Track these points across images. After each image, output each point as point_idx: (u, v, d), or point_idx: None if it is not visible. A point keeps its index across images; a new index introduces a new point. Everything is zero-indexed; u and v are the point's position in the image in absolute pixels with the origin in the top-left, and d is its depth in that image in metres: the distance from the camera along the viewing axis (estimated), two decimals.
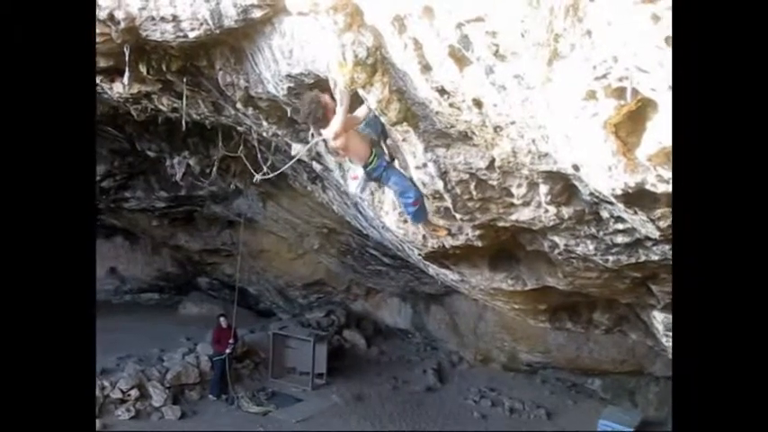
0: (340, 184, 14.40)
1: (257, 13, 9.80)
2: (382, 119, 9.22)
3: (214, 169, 19.78)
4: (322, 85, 9.80)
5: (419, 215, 10.34)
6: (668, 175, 6.45)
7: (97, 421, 19.31)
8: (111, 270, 32.09)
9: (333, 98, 9.14)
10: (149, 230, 29.50)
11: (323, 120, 9.29)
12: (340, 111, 9.03)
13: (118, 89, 13.61)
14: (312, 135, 10.56)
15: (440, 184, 10.03)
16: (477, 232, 11.09)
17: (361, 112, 9.68)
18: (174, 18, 10.66)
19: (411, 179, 10.26)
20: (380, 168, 9.80)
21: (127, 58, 12.19)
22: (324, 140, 10.01)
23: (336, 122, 9.14)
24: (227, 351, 23.21)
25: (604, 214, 9.41)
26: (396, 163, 10.35)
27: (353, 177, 9.95)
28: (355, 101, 9.18)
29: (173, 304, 32.10)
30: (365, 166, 9.77)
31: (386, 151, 10.06)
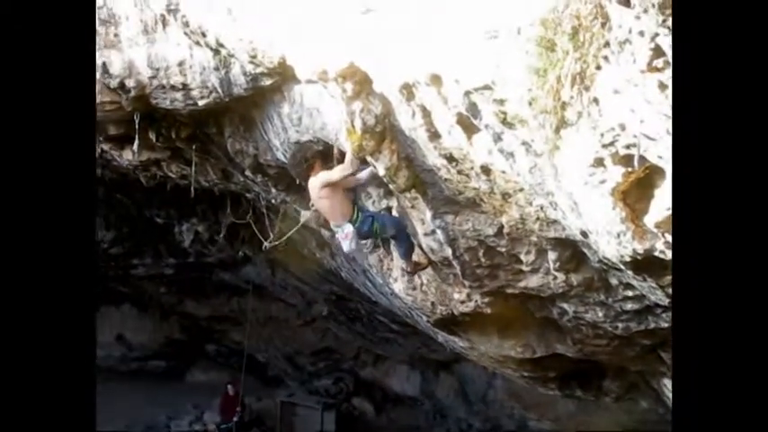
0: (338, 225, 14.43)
1: (266, 81, 9.89)
2: (391, 186, 9.24)
3: (222, 236, 19.80)
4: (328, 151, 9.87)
5: (403, 245, 10.50)
6: None
7: None
8: (119, 337, 31.96)
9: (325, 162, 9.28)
10: (157, 297, 29.46)
11: (309, 170, 9.43)
12: (342, 168, 9.12)
13: (127, 156, 13.71)
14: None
15: (448, 251, 10.02)
16: (486, 299, 11.04)
17: (363, 174, 9.72)
18: (184, 86, 10.77)
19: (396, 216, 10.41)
20: (369, 220, 9.84)
21: (137, 126, 12.29)
22: (309, 191, 10.01)
23: (334, 174, 9.22)
24: (235, 419, 23.03)
25: (613, 281, 9.38)
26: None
27: (344, 237, 9.93)
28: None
29: (180, 372, 31.93)
30: (352, 222, 9.79)
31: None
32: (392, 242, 10.74)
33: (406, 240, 10.34)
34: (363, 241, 10.54)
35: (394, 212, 10.72)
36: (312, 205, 10.63)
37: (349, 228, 9.80)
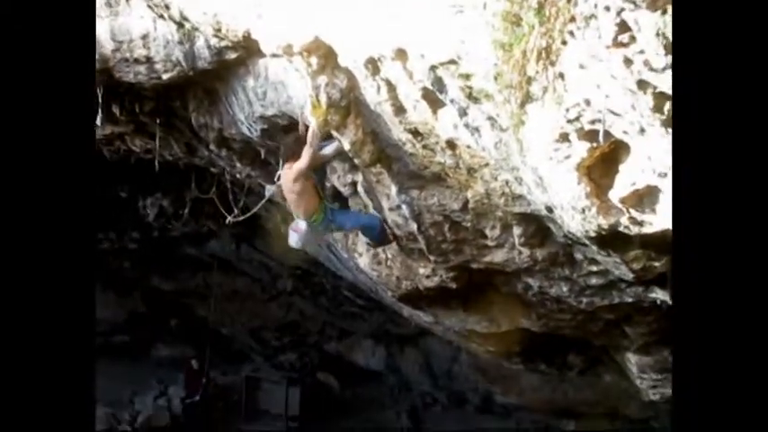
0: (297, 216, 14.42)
1: (231, 55, 9.83)
2: (356, 160, 9.23)
3: (186, 210, 19.68)
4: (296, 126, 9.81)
5: (382, 237, 10.49)
6: (641, 217, 6.47)
7: None
8: None
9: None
10: (121, 272, 29.27)
11: (297, 155, 9.34)
12: (308, 151, 9.06)
13: None
14: (278, 177, 10.51)
15: (413, 226, 10.03)
16: (451, 274, 11.07)
17: (328, 150, 9.69)
18: (148, 60, 10.67)
19: (362, 209, 10.37)
20: (326, 222, 9.84)
21: (100, 99, 12.16)
22: (282, 182, 9.97)
23: (303, 161, 9.17)
24: (199, 394, 22.98)
25: (578, 256, 9.43)
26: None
27: (294, 230, 9.91)
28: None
29: (144, 347, 31.77)
30: (309, 220, 9.77)
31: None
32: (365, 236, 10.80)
33: (377, 235, 10.32)
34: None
35: (363, 197, 10.66)
36: (277, 179, 10.59)
37: (303, 224, 9.81)
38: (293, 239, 10.03)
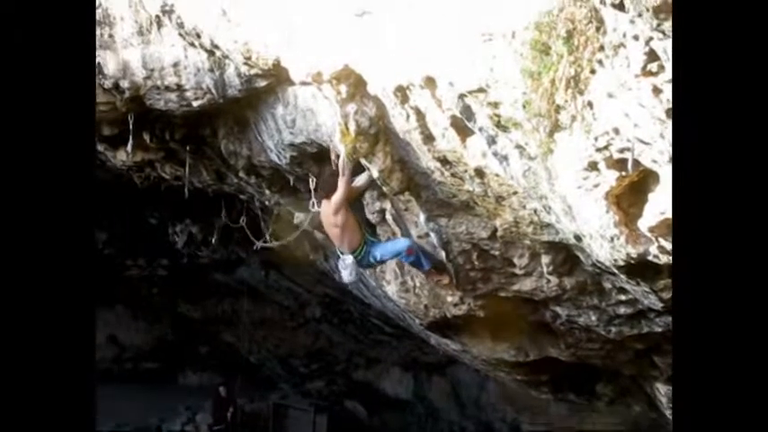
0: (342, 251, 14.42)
1: (261, 83, 9.88)
2: (384, 188, 9.23)
3: (215, 237, 19.76)
4: (326, 154, 9.84)
5: (422, 263, 10.17)
6: (670, 246, 6.44)
7: None
8: (111, 338, 31.90)
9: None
10: (150, 298, 29.40)
11: (333, 189, 9.35)
12: (342, 182, 9.06)
13: (121, 157, 13.69)
14: (313, 204, 10.54)
15: (442, 254, 10.02)
16: (479, 302, 11.04)
17: (360, 181, 9.71)
18: (179, 87, 10.75)
19: (390, 238, 10.32)
20: (367, 257, 9.81)
21: (131, 127, 12.26)
22: (322, 217, 9.97)
23: (339, 192, 9.17)
24: (227, 422, 22.96)
25: (607, 285, 9.38)
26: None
27: (344, 267, 9.90)
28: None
29: (173, 373, 31.85)
30: (354, 254, 9.75)
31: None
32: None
33: (416, 261, 10.20)
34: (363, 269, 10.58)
35: (391, 224, 10.64)
36: (313, 206, 10.60)
37: (350, 259, 9.78)
38: (345, 276, 9.99)
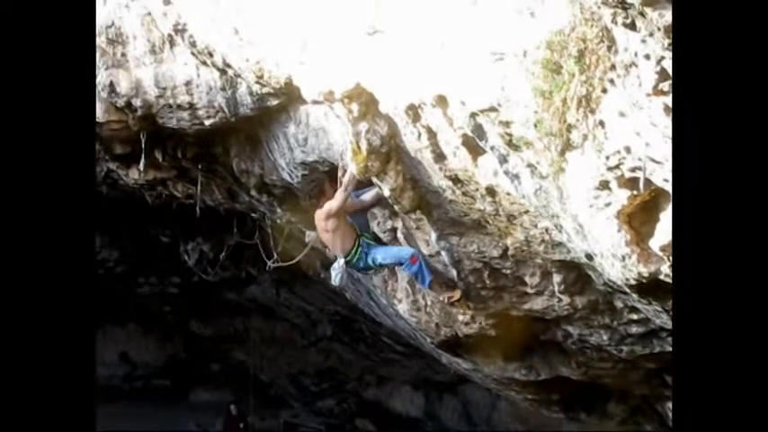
0: (352, 271, 14.41)
1: (273, 102, 9.91)
2: (396, 207, 9.24)
3: (224, 254, 19.78)
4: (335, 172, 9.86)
5: (425, 273, 10.01)
6: None
7: None
8: (123, 355, 31.91)
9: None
10: (162, 316, 29.42)
11: (323, 197, 9.40)
12: (341, 194, 9.09)
13: (133, 175, 13.73)
14: None
15: (453, 273, 10.01)
16: (491, 321, 11.01)
17: (367, 196, 9.72)
18: (191, 106, 10.79)
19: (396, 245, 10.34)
20: (364, 257, 9.78)
21: (143, 145, 12.30)
22: (315, 221, 9.98)
23: (335, 201, 9.19)
24: None
25: (618, 304, 9.35)
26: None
27: (333, 268, 9.92)
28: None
29: (184, 391, 31.83)
30: (347, 257, 9.75)
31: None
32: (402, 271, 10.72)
33: (419, 271, 10.14)
34: (361, 273, 10.58)
35: (403, 243, 10.63)
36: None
37: (340, 263, 9.80)
38: (333, 278, 10.04)
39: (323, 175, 10.10)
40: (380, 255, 9.93)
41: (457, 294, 10.44)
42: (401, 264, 10.03)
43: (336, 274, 9.94)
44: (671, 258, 6.34)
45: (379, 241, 10.53)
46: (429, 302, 11.59)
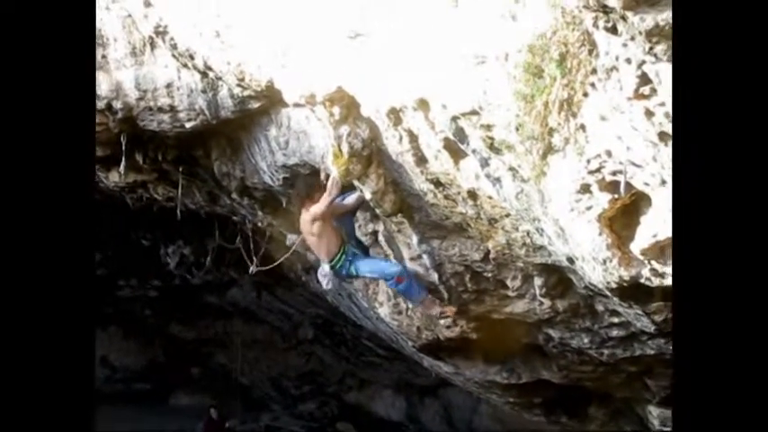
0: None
1: (254, 105, 9.89)
2: (377, 210, 9.23)
3: (209, 259, 19.73)
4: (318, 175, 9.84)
5: (412, 292, 10.02)
6: (663, 269, 6.44)
7: None
8: (103, 359, 31.78)
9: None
10: (142, 319, 29.33)
11: (311, 200, 9.37)
12: (326, 199, 9.07)
13: (114, 178, 13.66)
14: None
15: (434, 276, 10.01)
16: (472, 324, 11.02)
17: (350, 200, 9.71)
18: (172, 108, 10.75)
19: (386, 258, 10.28)
20: (347, 265, 9.76)
21: (123, 148, 12.25)
22: (300, 225, 9.96)
23: (320, 206, 9.17)
24: None
25: (599, 308, 9.38)
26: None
27: (323, 275, 9.91)
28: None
29: (164, 394, 31.73)
30: (331, 263, 9.73)
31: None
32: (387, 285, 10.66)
33: (406, 291, 10.10)
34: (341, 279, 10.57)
35: (384, 246, 10.61)
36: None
37: (326, 268, 9.78)
38: (324, 284, 10.03)
39: (305, 182, 10.07)
40: (365, 267, 9.91)
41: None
42: (386, 280, 10.02)
43: (327, 279, 9.92)
44: (671, 259, 6.35)
45: (362, 247, 10.52)
46: (410, 306, 11.59)
